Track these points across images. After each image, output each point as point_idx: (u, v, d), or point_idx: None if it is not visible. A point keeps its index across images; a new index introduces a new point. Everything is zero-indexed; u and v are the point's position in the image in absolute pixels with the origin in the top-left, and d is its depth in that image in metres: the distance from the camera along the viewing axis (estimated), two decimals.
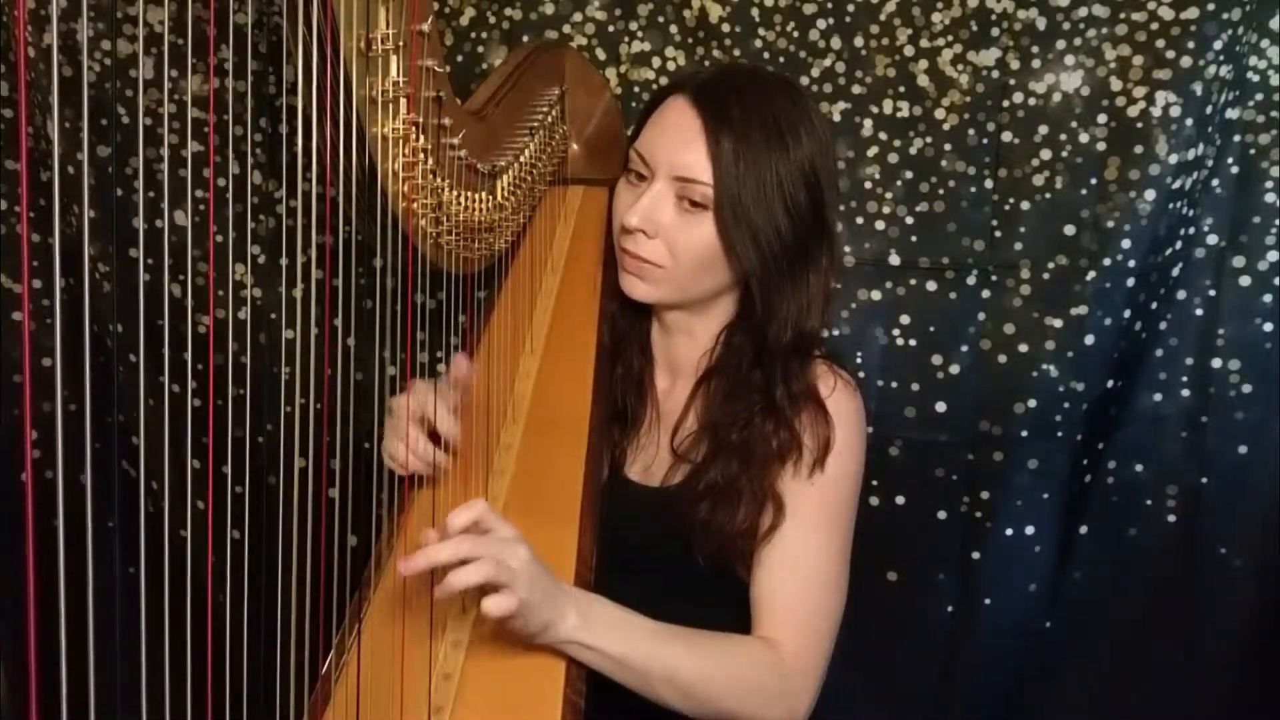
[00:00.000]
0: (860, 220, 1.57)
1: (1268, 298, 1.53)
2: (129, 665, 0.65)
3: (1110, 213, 1.51)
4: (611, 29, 1.58)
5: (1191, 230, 1.53)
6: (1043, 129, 1.52)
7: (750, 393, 1.10)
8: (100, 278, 1.66)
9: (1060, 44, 1.50)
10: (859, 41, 1.54)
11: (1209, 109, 1.48)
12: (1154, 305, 1.55)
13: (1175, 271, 1.54)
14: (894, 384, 1.59)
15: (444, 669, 0.88)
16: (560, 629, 0.88)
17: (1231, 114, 1.50)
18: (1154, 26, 1.47)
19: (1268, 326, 1.53)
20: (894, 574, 1.64)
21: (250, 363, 1.56)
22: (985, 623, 1.63)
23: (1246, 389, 1.55)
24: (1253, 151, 1.51)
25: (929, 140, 1.54)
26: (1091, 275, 1.53)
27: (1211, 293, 1.54)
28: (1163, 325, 1.56)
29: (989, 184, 1.54)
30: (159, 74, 1.58)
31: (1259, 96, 1.49)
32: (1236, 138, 1.51)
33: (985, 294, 1.56)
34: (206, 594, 0.89)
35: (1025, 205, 1.54)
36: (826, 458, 1.06)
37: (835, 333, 1.57)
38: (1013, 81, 1.51)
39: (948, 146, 1.54)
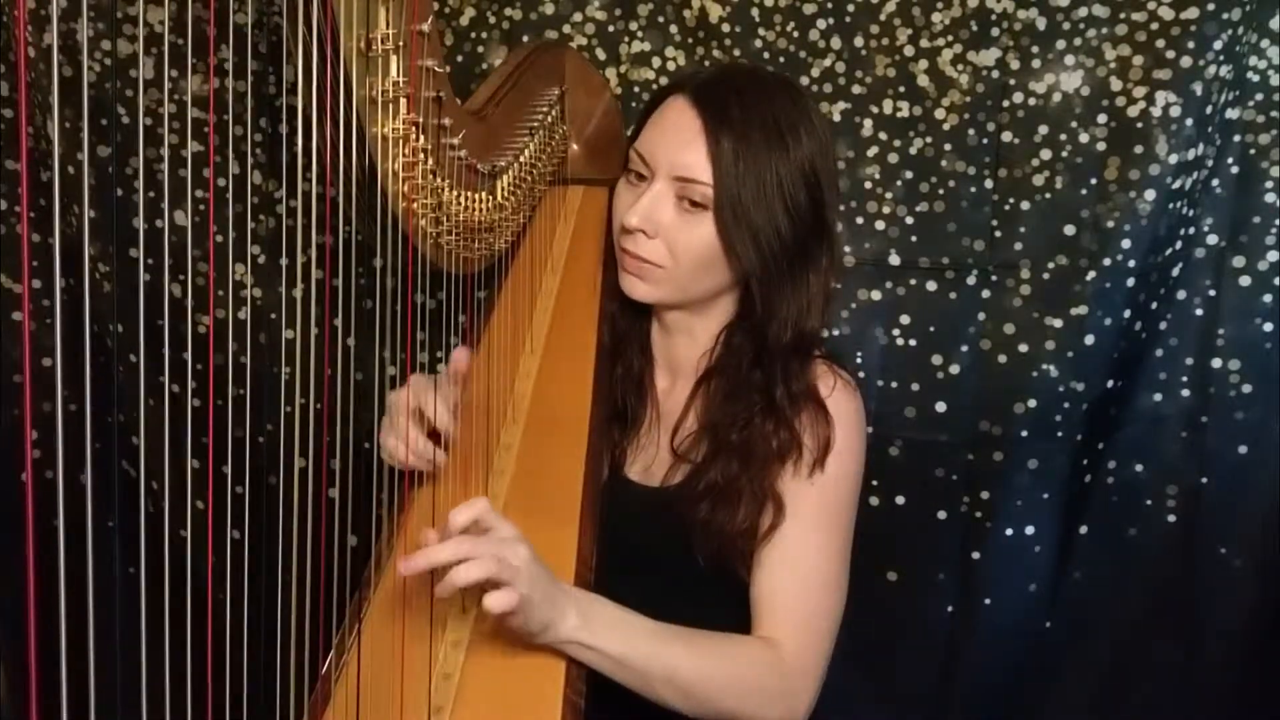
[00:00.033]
0: (860, 220, 1.57)
1: (1268, 298, 1.53)
2: (129, 665, 0.65)
3: (1110, 213, 1.51)
4: (611, 29, 1.58)
5: (1191, 230, 1.53)
6: (1043, 129, 1.52)
7: (750, 393, 1.10)
8: (100, 278, 1.66)
9: (1060, 44, 1.50)
10: (859, 41, 1.54)
11: (1209, 109, 1.48)
12: (1154, 305, 1.55)
13: (1175, 271, 1.54)
14: (894, 384, 1.59)
15: (444, 669, 0.88)
16: (560, 628, 0.88)
17: (1231, 114, 1.50)
18: (1154, 26, 1.47)
19: (1268, 326, 1.53)
20: (894, 574, 1.64)
21: (250, 363, 1.56)
22: (985, 623, 1.63)
23: (1246, 389, 1.55)
24: (1253, 151, 1.51)
25: (929, 140, 1.54)
26: (1091, 275, 1.53)
27: (1211, 293, 1.54)
28: (1163, 325, 1.56)
29: (989, 184, 1.54)
30: (159, 74, 1.58)
31: (1259, 96, 1.49)
32: (1236, 138, 1.51)
33: (985, 294, 1.56)
34: (206, 594, 0.89)
35: (1025, 205, 1.54)
36: (826, 458, 1.06)
37: (835, 333, 1.57)
38: (1013, 81, 1.51)
39: (948, 146, 1.54)
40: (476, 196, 1.08)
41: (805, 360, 1.11)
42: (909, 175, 1.56)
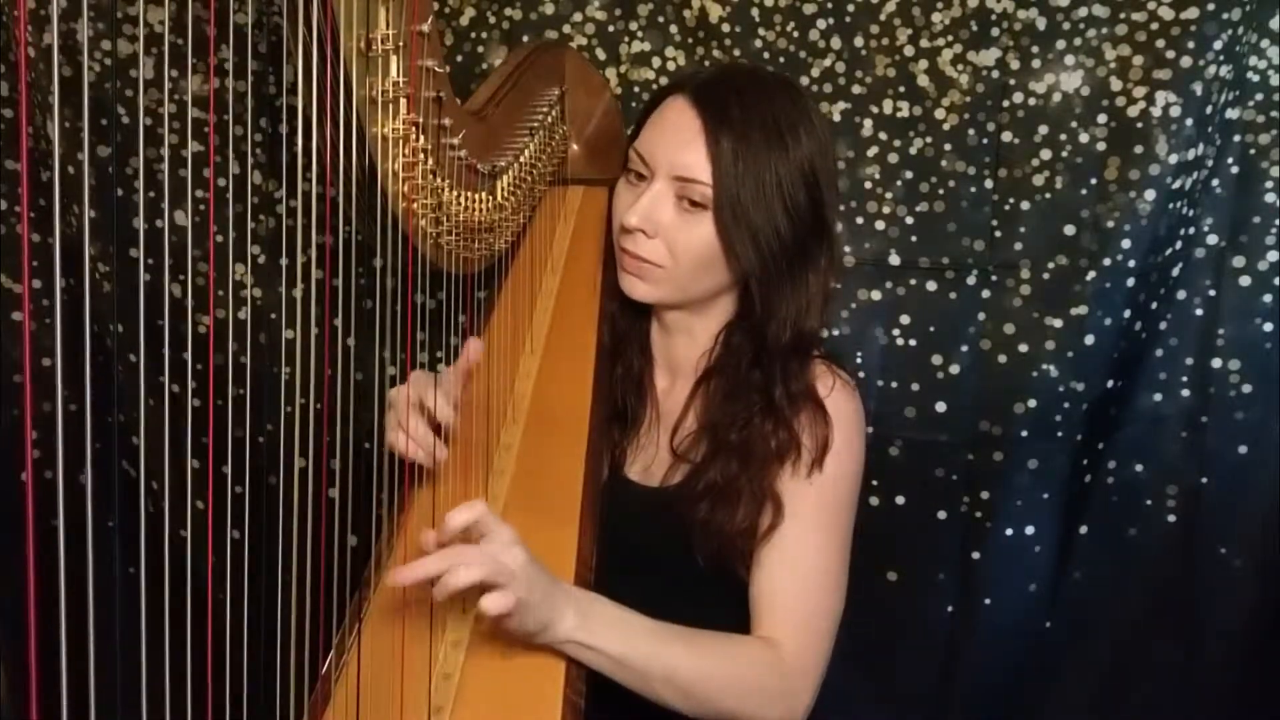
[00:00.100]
0: (860, 220, 1.57)
1: (1268, 298, 1.53)
2: (129, 665, 0.65)
3: (1110, 213, 1.51)
4: (611, 29, 1.58)
5: (1191, 230, 1.53)
6: (1043, 129, 1.52)
7: (749, 392, 1.10)
8: (100, 278, 1.66)
9: (1060, 44, 1.50)
10: (859, 41, 1.54)
11: (1209, 109, 1.48)
12: (1154, 305, 1.55)
13: (1175, 271, 1.54)
14: (894, 384, 1.59)
15: (444, 669, 0.88)
16: (558, 629, 0.88)
17: (1231, 114, 1.50)
18: (1154, 26, 1.47)
19: (1268, 326, 1.53)
20: (894, 574, 1.64)
21: (250, 363, 1.56)
22: (985, 623, 1.63)
23: (1246, 389, 1.55)
24: (1253, 151, 1.51)
25: (929, 140, 1.54)
26: (1091, 275, 1.53)
27: (1211, 293, 1.54)
28: (1163, 325, 1.56)
29: (989, 184, 1.54)
30: (159, 74, 1.58)
31: (1259, 96, 1.49)
32: (1236, 138, 1.51)
33: (985, 294, 1.56)
34: (206, 594, 0.89)
35: (1025, 205, 1.54)
36: (825, 457, 1.06)
37: (835, 333, 1.57)
38: (1013, 81, 1.51)
39: (948, 146, 1.54)
40: (476, 196, 1.08)
41: (804, 360, 1.11)
42: (909, 175, 1.55)
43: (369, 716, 0.83)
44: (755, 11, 1.54)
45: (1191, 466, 1.58)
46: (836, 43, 1.54)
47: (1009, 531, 1.60)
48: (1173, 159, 1.48)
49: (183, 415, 1.46)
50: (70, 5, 1.55)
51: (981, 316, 1.57)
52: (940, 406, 1.59)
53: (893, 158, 1.55)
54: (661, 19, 1.57)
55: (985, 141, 1.53)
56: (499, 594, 0.83)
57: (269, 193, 1.63)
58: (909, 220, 1.56)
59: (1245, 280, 1.53)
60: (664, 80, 1.57)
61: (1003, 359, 1.57)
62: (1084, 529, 1.61)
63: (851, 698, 1.60)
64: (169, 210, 1.60)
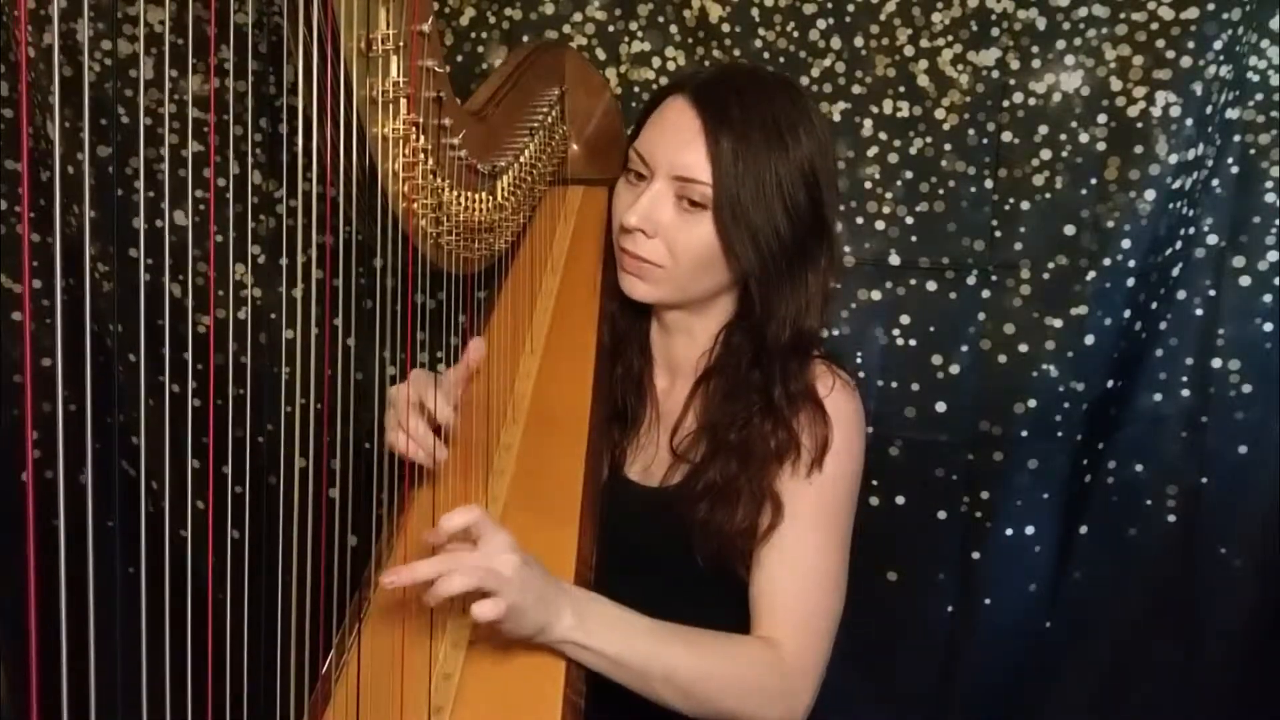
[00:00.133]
0: (860, 220, 1.57)
1: (1268, 298, 1.53)
2: (129, 665, 0.65)
3: (1110, 213, 1.51)
4: (611, 29, 1.58)
5: (1191, 230, 1.53)
6: (1043, 129, 1.52)
7: (749, 392, 1.10)
8: (100, 278, 1.66)
9: (1060, 44, 1.50)
10: (859, 41, 1.54)
11: (1209, 109, 1.48)
12: (1154, 305, 1.55)
13: (1175, 271, 1.54)
14: (894, 384, 1.59)
15: (444, 669, 0.88)
16: (555, 630, 0.88)
17: (1231, 114, 1.50)
18: (1154, 26, 1.47)
19: (1268, 326, 1.53)
20: (894, 574, 1.64)
21: (250, 363, 1.56)
22: (985, 623, 1.63)
23: (1246, 389, 1.55)
24: (1253, 151, 1.51)
25: (929, 140, 1.54)
26: (1091, 275, 1.53)
27: (1211, 293, 1.54)
28: (1163, 325, 1.56)
29: (989, 184, 1.54)
30: (159, 74, 1.58)
31: (1259, 96, 1.49)
32: (1236, 138, 1.51)
33: (985, 294, 1.56)
34: (207, 594, 0.89)
35: (1025, 205, 1.54)
36: (824, 457, 1.06)
37: (835, 333, 1.57)
38: (1013, 81, 1.51)
39: (948, 146, 1.54)
40: (476, 197, 1.08)
41: (804, 360, 1.11)
42: (909, 175, 1.55)
43: (369, 716, 0.83)
44: (755, 11, 1.54)
45: (1191, 466, 1.58)
46: (836, 43, 1.54)
47: (1009, 531, 1.60)
48: (1173, 159, 1.48)
49: (183, 415, 1.46)
50: (70, 5, 1.55)
51: (981, 316, 1.57)
52: (940, 406, 1.59)
53: (893, 158, 1.55)
54: (661, 19, 1.57)
55: (985, 141, 1.53)
56: (491, 602, 0.83)
57: (269, 193, 1.63)
58: (909, 220, 1.56)
59: (1245, 280, 1.53)
60: (664, 80, 1.57)
61: (1003, 359, 1.57)
62: (1084, 529, 1.61)
63: (851, 698, 1.60)
64: (169, 210, 1.60)
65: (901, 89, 1.54)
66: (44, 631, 0.53)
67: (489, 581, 0.83)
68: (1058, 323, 1.55)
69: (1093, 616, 1.62)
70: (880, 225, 1.57)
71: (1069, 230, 1.53)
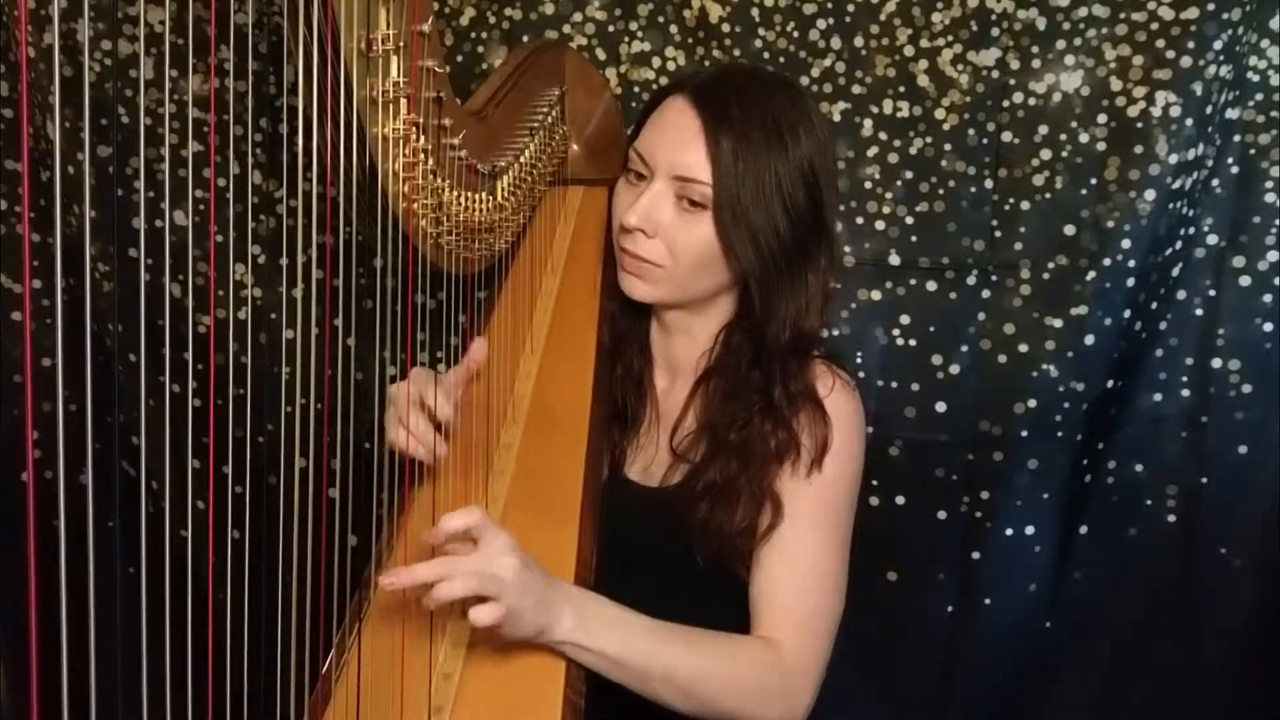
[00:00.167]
0: (860, 220, 1.57)
1: (1268, 298, 1.53)
2: (129, 665, 0.65)
3: (1110, 213, 1.51)
4: (611, 29, 1.58)
5: (1191, 230, 1.53)
6: (1043, 129, 1.52)
7: (749, 392, 1.10)
8: (100, 278, 1.66)
9: (1060, 44, 1.50)
10: (859, 41, 1.54)
11: (1209, 109, 1.48)
12: (1154, 305, 1.55)
13: (1175, 271, 1.54)
14: (894, 384, 1.59)
15: (444, 669, 0.89)
16: (555, 631, 0.88)
17: (1231, 114, 1.50)
18: (1154, 26, 1.47)
19: (1268, 326, 1.53)
20: (894, 574, 1.64)
21: (250, 363, 1.56)
22: (985, 623, 1.63)
23: (1246, 389, 1.55)
24: (1253, 151, 1.51)
25: (929, 140, 1.54)
26: (1091, 275, 1.53)
27: (1211, 293, 1.54)
28: (1163, 325, 1.56)
29: (989, 184, 1.54)
30: (159, 74, 1.58)
31: (1259, 96, 1.49)
32: (1236, 138, 1.51)
33: (985, 294, 1.56)
34: (207, 594, 0.89)
35: (1025, 205, 1.54)
36: (824, 457, 1.06)
37: (835, 333, 1.57)
38: (1013, 81, 1.51)
39: (948, 146, 1.54)
40: (477, 197, 1.08)
41: (804, 360, 1.11)
42: (909, 175, 1.55)
43: (369, 716, 0.83)
44: (755, 11, 1.54)
45: (1191, 466, 1.58)
46: (836, 43, 1.54)
47: (1009, 531, 1.60)
48: (1173, 159, 1.48)
49: (183, 415, 1.46)
50: (70, 5, 1.55)
51: (981, 316, 1.57)
52: (940, 406, 1.59)
53: (893, 158, 1.55)
54: (661, 19, 1.57)
55: (985, 141, 1.53)
56: (489, 606, 0.83)
57: (269, 193, 1.63)
58: (909, 220, 1.56)
59: (1245, 280, 1.53)
60: (664, 80, 1.58)
61: (1003, 359, 1.57)
62: (1084, 529, 1.61)
63: (851, 698, 1.60)
64: (169, 210, 1.60)
65: (901, 89, 1.54)
66: (44, 631, 0.53)
67: (488, 586, 0.83)
68: (1058, 323, 1.55)
69: (1093, 616, 1.62)
70: (880, 225, 1.57)
71: (1069, 230, 1.53)
